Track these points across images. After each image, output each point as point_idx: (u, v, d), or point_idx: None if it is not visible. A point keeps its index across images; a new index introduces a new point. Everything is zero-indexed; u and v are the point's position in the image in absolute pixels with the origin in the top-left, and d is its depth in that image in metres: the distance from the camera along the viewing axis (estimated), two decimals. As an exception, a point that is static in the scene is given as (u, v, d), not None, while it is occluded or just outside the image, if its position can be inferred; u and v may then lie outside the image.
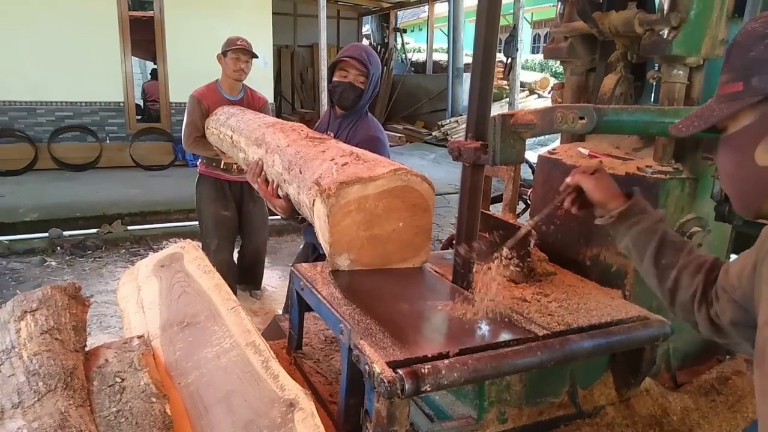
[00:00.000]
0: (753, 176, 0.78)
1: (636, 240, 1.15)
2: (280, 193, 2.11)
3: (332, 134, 2.41)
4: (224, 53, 3.46)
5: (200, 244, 3.76)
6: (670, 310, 1.14)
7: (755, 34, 0.75)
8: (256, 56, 3.60)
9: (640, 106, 1.61)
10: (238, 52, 3.42)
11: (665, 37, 1.48)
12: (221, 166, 3.56)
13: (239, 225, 3.79)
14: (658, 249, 1.10)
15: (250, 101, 3.59)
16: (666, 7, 1.47)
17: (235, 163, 3.45)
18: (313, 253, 2.58)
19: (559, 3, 1.81)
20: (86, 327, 1.46)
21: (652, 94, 1.88)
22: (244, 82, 3.61)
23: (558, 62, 2.04)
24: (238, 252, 4.05)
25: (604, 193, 1.19)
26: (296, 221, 2.16)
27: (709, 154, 1.51)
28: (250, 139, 2.53)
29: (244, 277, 4.06)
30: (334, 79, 2.36)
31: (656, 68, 1.64)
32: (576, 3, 1.65)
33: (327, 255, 1.64)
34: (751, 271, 0.87)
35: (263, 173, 2.25)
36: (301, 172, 1.87)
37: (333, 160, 1.77)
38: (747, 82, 0.75)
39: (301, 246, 2.83)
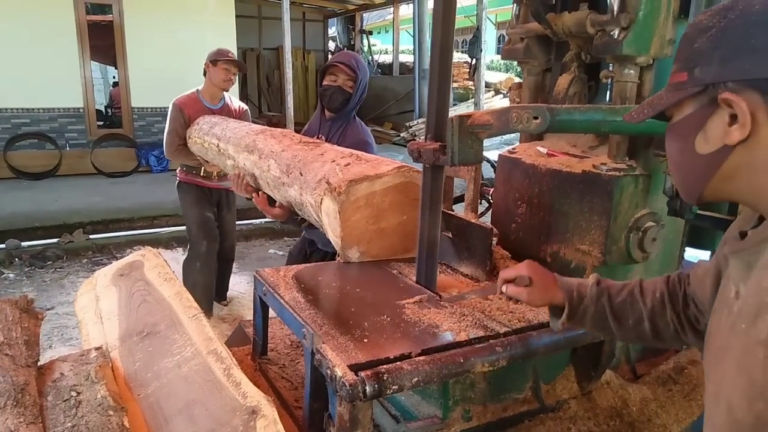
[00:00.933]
0: (693, 163, 0.80)
1: (594, 326, 1.12)
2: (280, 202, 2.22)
3: (323, 137, 2.51)
4: (213, 62, 3.48)
5: (184, 252, 3.73)
6: (667, 347, 1.12)
7: (700, 27, 0.77)
8: (245, 70, 3.68)
9: (592, 105, 1.65)
10: (229, 63, 3.47)
11: (616, 37, 1.51)
12: (201, 174, 3.60)
13: None
14: (616, 318, 1.08)
15: (230, 110, 3.64)
16: (616, 8, 1.51)
17: (218, 171, 3.49)
18: (310, 246, 2.61)
19: (515, 5, 1.84)
20: (39, 341, 1.41)
21: (608, 93, 1.92)
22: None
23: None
24: None
25: (542, 296, 1.13)
26: (295, 223, 2.28)
27: (661, 151, 1.55)
28: (240, 146, 2.58)
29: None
30: (324, 82, 2.47)
31: (609, 68, 1.68)
32: (530, 5, 1.68)
33: (338, 249, 1.74)
34: (714, 276, 0.89)
35: (245, 179, 2.38)
36: (301, 175, 1.96)
37: (334, 161, 1.87)
38: (690, 72, 0.77)
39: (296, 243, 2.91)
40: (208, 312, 3.70)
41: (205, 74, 3.56)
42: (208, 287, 3.73)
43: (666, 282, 1.06)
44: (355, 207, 1.70)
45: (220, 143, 2.85)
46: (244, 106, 3.79)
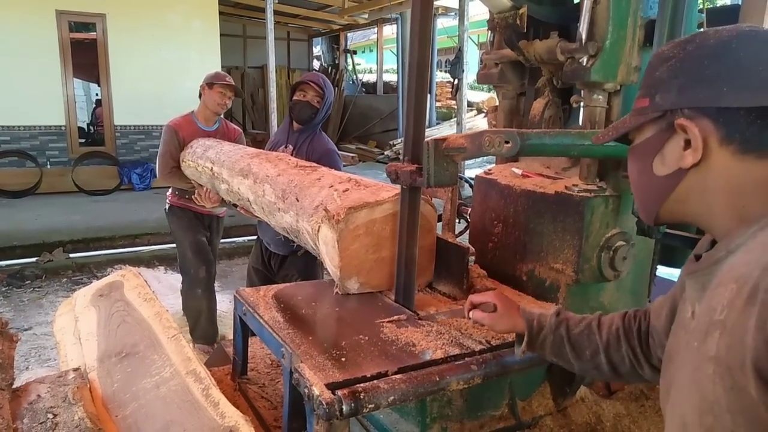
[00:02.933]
0: (651, 184, 0.85)
1: (553, 354, 1.17)
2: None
3: (291, 146, 2.78)
4: (209, 85, 3.43)
5: (166, 270, 3.63)
6: (625, 382, 1.12)
7: (662, 56, 0.83)
8: (241, 96, 3.68)
9: (562, 130, 1.70)
10: (225, 87, 3.43)
11: (584, 64, 1.58)
12: (194, 198, 3.47)
13: None
14: (573, 349, 1.13)
15: (225, 132, 3.58)
16: (584, 36, 1.57)
17: (211, 205, 3.41)
18: (265, 252, 2.93)
19: (489, 31, 1.90)
20: (13, 364, 1.41)
21: (580, 116, 1.98)
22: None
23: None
24: None
25: (505, 323, 1.21)
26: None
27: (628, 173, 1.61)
28: (234, 170, 2.54)
29: None
30: (294, 97, 2.79)
31: (580, 93, 1.74)
32: (503, 32, 1.75)
33: (336, 279, 1.66)
34: (670, 304, 0.93)
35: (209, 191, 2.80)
36: (298, 200, 1.90)
37: (332, 186, 1.82)
38: (652, 98, 0.83)
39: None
40: (215, 336, 3.61)
41: (200, 96, 3.49)
42: (214, 312, 3.66)
43: (623, 317, 1.10)
44: (354, 235, 1.62)
45: (214, 167, 2.80)
46: (239, 129, 3.73)
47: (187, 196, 3.48)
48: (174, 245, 3.75)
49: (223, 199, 3.00)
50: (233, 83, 3.52)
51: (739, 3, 1.92)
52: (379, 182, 1.89)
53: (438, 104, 12.76)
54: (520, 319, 1.19)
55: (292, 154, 2.69)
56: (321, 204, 1.72)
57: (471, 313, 1.24)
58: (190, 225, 3.55)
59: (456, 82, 8.28)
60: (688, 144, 0.78)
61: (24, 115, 7.98)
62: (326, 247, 1.68)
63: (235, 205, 2.75)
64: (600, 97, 1.62)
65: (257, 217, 2.49)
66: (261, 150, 2.80)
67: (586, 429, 1.61)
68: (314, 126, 2.80)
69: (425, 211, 1.70)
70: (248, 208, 2.51)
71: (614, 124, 0.91)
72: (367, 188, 1.76)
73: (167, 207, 3.61)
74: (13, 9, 7.70)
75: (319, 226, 1.69)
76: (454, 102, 10.28)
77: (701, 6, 1.75)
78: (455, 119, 9.24)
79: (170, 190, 3.60)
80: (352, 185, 1.80)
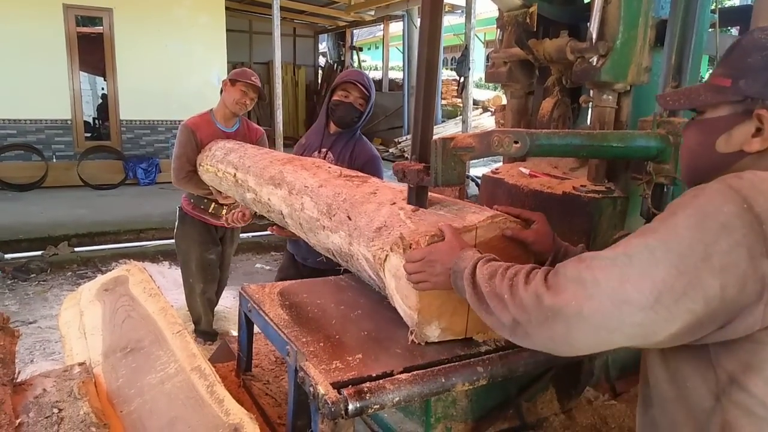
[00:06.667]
0: (710, 158, 0.91)
1: None
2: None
3: (327, 151, 2.54)
4: (232, 81, 3.17)
5: (170, 265, 3.62)
6: None
7: (757, 44, 0.86)
8: (264, 99, 3.36)
9: (571, 131, 1.69)
10: (248, 87, 3.16)
11: (594, 64, 1.56)
12: (210, 210, 3.25)
13: None
14: None
15: (246, 133, 3.32)
16: (594, 36, 1.56)
17: (225, 206, 3.20)
18: (304, 269, 2.59)
19: (498, 30, 1.89)
20: (15, 359, 1.42)
21: (588, 116, 1.97)
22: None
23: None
24: None
25: (540, 243, 1.33)
26: None
27: (638, 175, 1.60)
28: (263, 177, 2.23)
29: None
30: (335, 98, 2.50)
31: (589, 93, 1.73)
32: (513, 31, 1.74)
33: (411, 324, 1.36)
34: None
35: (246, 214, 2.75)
36: (350, 219, 1.60)
37: (395, 204, 1.52)
38: (735, 81, 0.86)
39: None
40: (214, 337, 3.60)
41: (221, 93, 3.24)
42: (210, 321, 3.65)
43: None
44: None
45: (238, 173, 2.49)
46: (261, 129, 3.48)
47: (202, 207, 3.23)
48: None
49: (254, 214, 2.74)
50: (258, 84, 3.22)
51: (751, 3, 1.90)
52: (457, 200, 1.57)
53: (443, 102, 12.75)
54: (552, 243, 1.30)
55: (331, 160, 2.45)
56: (384, 226, 1.43)
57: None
58: (200, 240, 3.33)
59: (462, 80, 8.24)
60: (758, 132, 0.84)
61: (30, 108, 8.01)
62: (398, 282, 1.36)
63: (265, 218, 2.44)
64: (610, 97, 1.61)
65: (292, 235, 2.18)
66: (293, 155, 2.45)
67: (591, 430, 1.60)
68: (356, 130, 2.56)
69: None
70: (280, 222, 2.18)
71: (684, 92, 0.95)
72: (443, 208, 1.46)
73: (179, 211, 3.40)
74: (20, 3, 7.73)
75: (387, 255, 1.37)
76: (459, 100, 10.27)
77: (713, 6, 1.73)
78: (460, 117, 9.22)
79: (184, 194, 3.35)
80: None
